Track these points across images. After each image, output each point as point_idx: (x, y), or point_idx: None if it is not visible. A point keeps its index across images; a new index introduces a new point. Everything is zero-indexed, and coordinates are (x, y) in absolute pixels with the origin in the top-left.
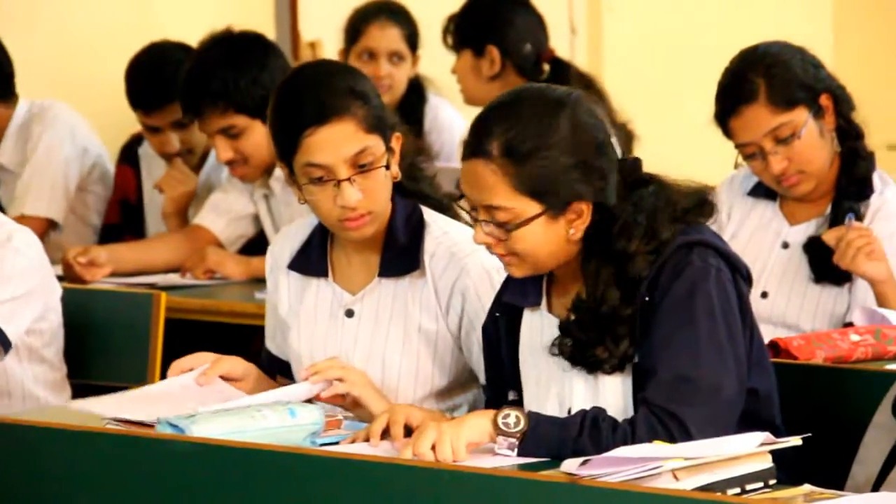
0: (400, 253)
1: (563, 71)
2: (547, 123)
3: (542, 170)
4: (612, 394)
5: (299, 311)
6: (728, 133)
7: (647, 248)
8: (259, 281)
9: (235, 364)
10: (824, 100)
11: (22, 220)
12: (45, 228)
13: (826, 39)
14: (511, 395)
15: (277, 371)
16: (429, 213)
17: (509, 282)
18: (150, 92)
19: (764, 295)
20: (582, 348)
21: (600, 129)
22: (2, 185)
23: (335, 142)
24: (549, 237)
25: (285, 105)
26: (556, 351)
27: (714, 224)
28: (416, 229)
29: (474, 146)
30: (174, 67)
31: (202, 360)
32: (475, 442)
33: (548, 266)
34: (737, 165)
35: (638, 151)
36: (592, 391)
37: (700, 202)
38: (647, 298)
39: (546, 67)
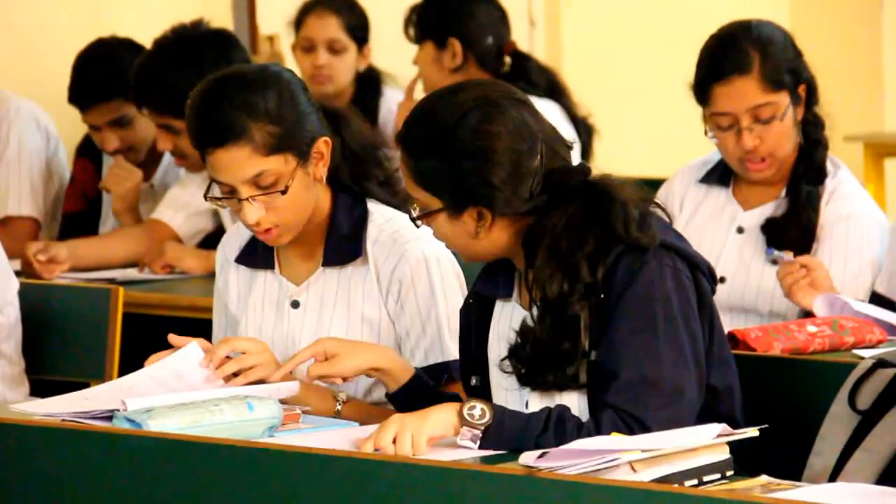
0: (342, 242)
1: (524, 64)
2: (445, 125)
3: (433, 167)
4: (568, 402)
5: (247, 305)
6: (706, 99)
7: (590, 277)
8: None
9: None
10: (801, 91)
11: (8, 220)
12: (34, 228)
13: None
14: (473, 381)
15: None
16: (373, 203)
17: (485, 272)
18: (85, 90)
19: (721, 280)
20: (530, 372)
21: (516, 139)
22: None
23: (231, 165)
24: (457, 233)
25: (190, 119)
26: (507, 368)
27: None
28: (360, 218)
29: (398, 136)
30: (113, 65)
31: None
32: (438, 436)
33: (480, 258)
34: (706, 132)
35: (597, 143)
36: (548, 401)
37: (644, 214)
38: (601, 296)
39: (507, 60)
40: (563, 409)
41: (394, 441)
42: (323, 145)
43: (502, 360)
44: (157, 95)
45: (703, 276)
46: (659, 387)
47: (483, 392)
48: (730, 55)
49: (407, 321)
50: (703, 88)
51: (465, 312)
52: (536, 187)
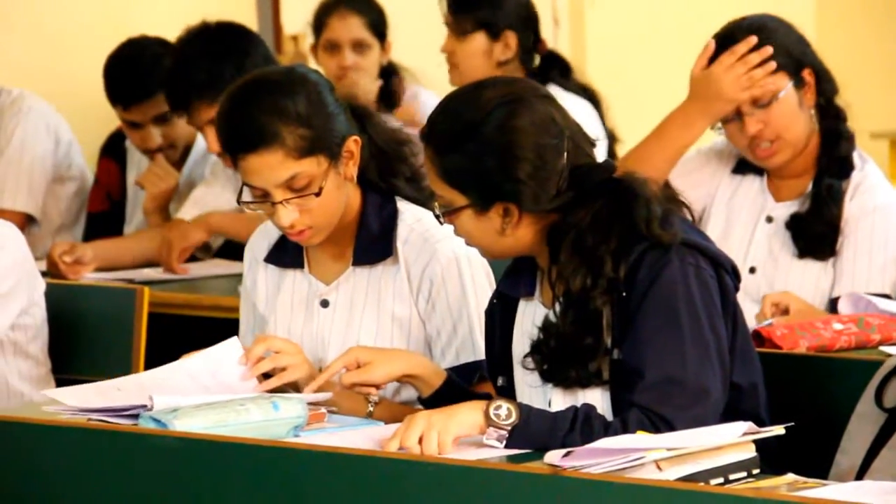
0: (373, 241)
1: (554, 65)
2: (473, 120)
3: (459, 164)
4: (592, 400)
5: (276, 304)
6: None
7: (607, 276)
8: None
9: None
10: (807, 74)
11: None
12: (24, 222)
13: (809, 29)
14: (500, 381)
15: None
16: (403, 203)
17: (508, 272)
18: (130, 87)
19: (752, 270)
20: (552, 368)
21: (542, 134)
22: None
23: (263, 170)
24: (484, 230)
25: (221, 124)
26: (530, 365)
27: (702, 190)
28: (389, 218)
29: (423, 133)
30: (153, 62)
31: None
32: (464, 435)
33: (503, 255)
34: (713, 127)
35: (620, 144)
36: (571, 401)
37: (667, 212)
38: (623, 294)
39: (537, 59)
40: (590, 409)
41: (419, 440)
42: (353, 144)
43: (525, 356)
44: (204, 86)
45: (726, 274)
46: (685, 386)
47: (509, 392)
48: (722, 48)
49: (438, 320)
50: None
51: (490, 313)
52: (563, 184)
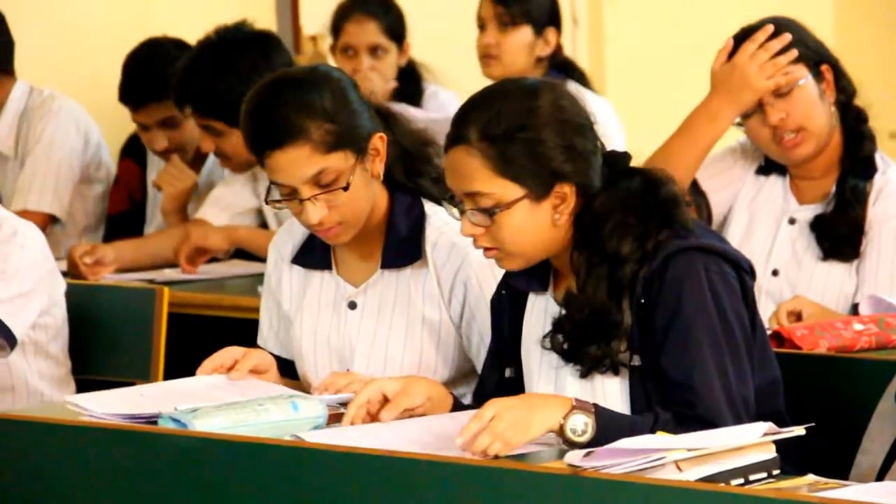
0: (401, 244)
1: (566, 65)
2: (525, 105)
3: (520, 150)
4: (610, 395)
5: (302, 305)
6: None
7: (637, 253)
8: (262, 275)
9: (263, 357)
10: (825, 70)
11: (24, 214)
12: (47, 223)
13: (827, 29)
14: (507, 373)
15: (279, 371)
16: (431, 205)
17: None
18: (137, 89)
19: (775, 273)
20: (574, 345)
21: (581, 113)
22: None
23: (291, 166)
24: (534, 222)
25: (246, 123)
26: (548, 345)
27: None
28: (418, 220)
29: (454, 135)
30: (165, 65)
31: (232, 355)
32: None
33: (537, 255)
34: (738, 125)
35: (636, 144)
36: (589, 391)
37: (681, 194)
38: (642, 300)
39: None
40: (661, 415)
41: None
42: (378, 141)
43: (544, 336)
44: (198, 97)
45: (746, 275)
46: (734, 401)
47: (517, 384)
48: (737, 44)
49: (481, 325)
50: None
51: (497, 304)
52: (601, 160)
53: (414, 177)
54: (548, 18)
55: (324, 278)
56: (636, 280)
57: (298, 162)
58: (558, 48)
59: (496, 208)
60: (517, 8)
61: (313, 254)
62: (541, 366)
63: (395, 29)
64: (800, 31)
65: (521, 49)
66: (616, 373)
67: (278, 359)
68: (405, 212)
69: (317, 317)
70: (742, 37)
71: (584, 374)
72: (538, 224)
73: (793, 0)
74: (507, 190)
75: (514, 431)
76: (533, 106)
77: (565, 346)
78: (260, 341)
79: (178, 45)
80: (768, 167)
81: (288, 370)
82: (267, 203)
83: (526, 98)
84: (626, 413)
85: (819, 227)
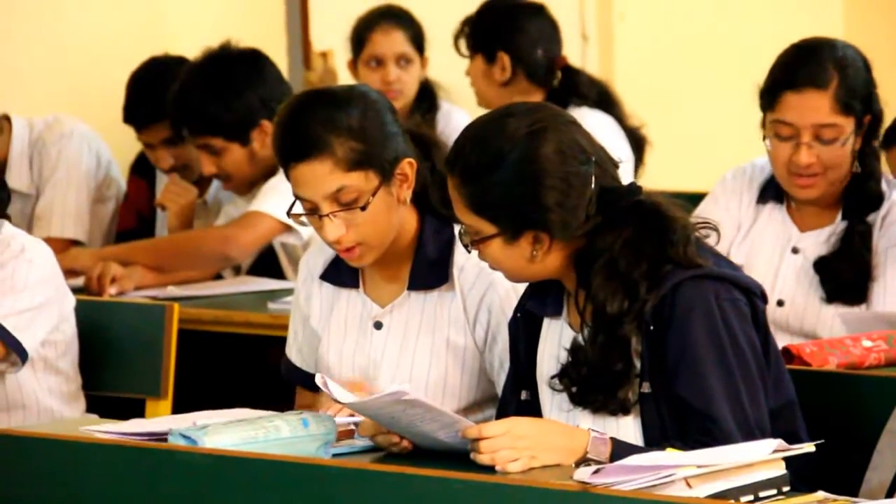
0: (429, 267)
1: (574, 78)
2: (500, 150)
3: (487, 194)
4: (622, 421)
5: (329, 322)
6: (772, 104)
7: (632, 307)
8: (273, 291)
9: None
10: (867, 120)
11: (48, 241)
12: (69, 247)
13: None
14: (524, 395)
15: (299, 382)
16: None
17: (532, 288)
18: (139, 110)
19: (780, 303)
20: (581, 392)
21: (570, 161)
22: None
23: (312, 179)
24: (513, 257)
25: (276, 133)
26: (558, 387)
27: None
28: (447, 244)
29: (448, 161)
30: (167, 84)
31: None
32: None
33: (527, 280)
34: (765, 138)
35: (649, 158)
36: (601, 418)
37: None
38: (651, 328)
39: (558, 74)
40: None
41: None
42: (407, 167)
43: (552, 377)
44: (192, 117)
45: (757, 299)
46: (750, 427)
47: (534, 407)
48: (809, 66)
49: (501, 351)
50: (772, 93)
51: (514, 327)
52: (591, 208)
53: (450, 204)
54: (500, 44)
55: (351, 297)
56: (645, 307)
57: (320, 177)
58: (562, 59)
59: (476, 239)
60: (465, 39)
61: (342, 272)
62: (553, 394)
63: (419, 39)
64: (860, 72)
65: (479, 79)
66: (626, 413)
67: (300, 371)
68: (434, 235)
69: (343, 335)
70: (807, 57)
71: (594, 413)
72: (518, 258)
73: (802, 20)
74: (482, 226)
75: (536, 453)
76: (505, 152)
77: (573, 390)
78: (287, 352)
79: (181, 63)
80: (765, 195)
81: (313, 385)
82: (289, 216)
83: (503, 142)
84: (640, 444)
85: (823, 269)
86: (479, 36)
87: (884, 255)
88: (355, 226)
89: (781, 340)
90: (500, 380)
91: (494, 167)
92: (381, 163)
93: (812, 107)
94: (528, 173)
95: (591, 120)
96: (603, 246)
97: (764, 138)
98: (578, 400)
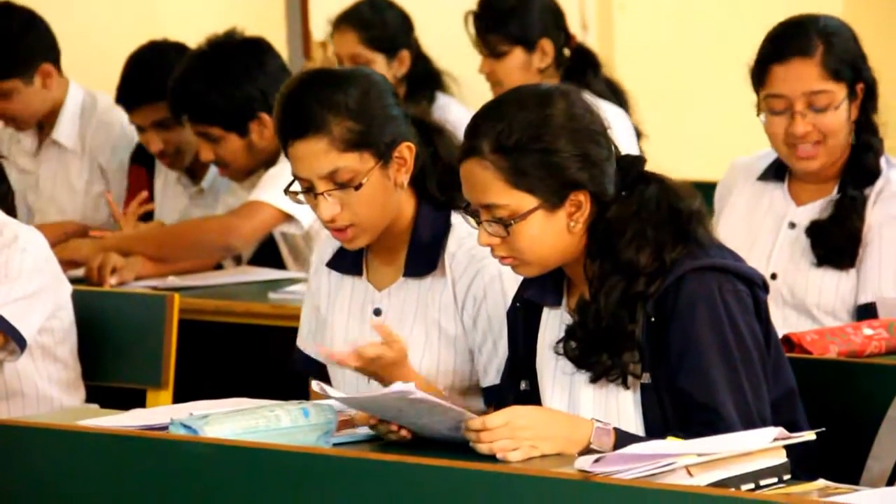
0: (422, 252)
1: (586, 59)
2: (537, 114)
3: (533, 161)
4: (624, 410)
5: (334, 309)
6: (762, 80)
7: (653, 266)
8: (274, 281)
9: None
10: (859, 89)
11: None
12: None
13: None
14: (523, 385)
15: (312, 373)
16: (458, 217)
17: (531, 278)
18: (131, 90)
19: (773, 276)
20: (586, 353)
21: (595, 120)
22: (43, 164)
23: (308, 157)
24: (550, 231)
25: (276, 111)
26: (560, 350)
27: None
28: (441, 230)
29: (467, 147)
30: (161, 67)
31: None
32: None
33: (553, 262)
34: (759, 113)
35: (647, 149)
36: (602, 404)
37: (700, 208)
38: (652, 319)
39: (567, 54)
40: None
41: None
42: (406, 150)
43: (557, 342)
44: (192, 104)
45: (759, 290)
46: (752, 419)
47: (533, 396)
48: (793, 38)
49: (479, 337)
50: (761, 68)
51: (512, 317)
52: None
53: (449, 189)
54: (539, 31)
55: (354, 283)
56: (647, 297)
57: (316, 155)
58: (572, 39)
59: (512, 219)
60: (499, 37)
61: (346, 259)
62: (555, 375)
63: (381, 40)
64: (847, 40)
65: (514, 71)
66: (626, 386)
67: (314, 362)
68: (430, 221)
69: (347, 320)
70: (795, 33)
71: (594, 380)
72: (554, 232)
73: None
74: (522, 201)
75: (537, 443)
76: (545, 115)
77: (577, 352)
78: (299, 342)
79: (179, 48)
80: (767, 174)
81: (324, 374)
82: (286, 194)
83: (537, 107)
84: (641, 434)
85: (814, 233)
86: (518, 28)
87: (877, 230)
88: (349, 205)
89: (775, 313)
90: (479, 367)
91: (537, 133)
92: (378, 144)
93: (800, 75)
94: (572, 131)
95: (611, 114)
96: (629, 207)
97: (759, 114)
98: (581, 361)
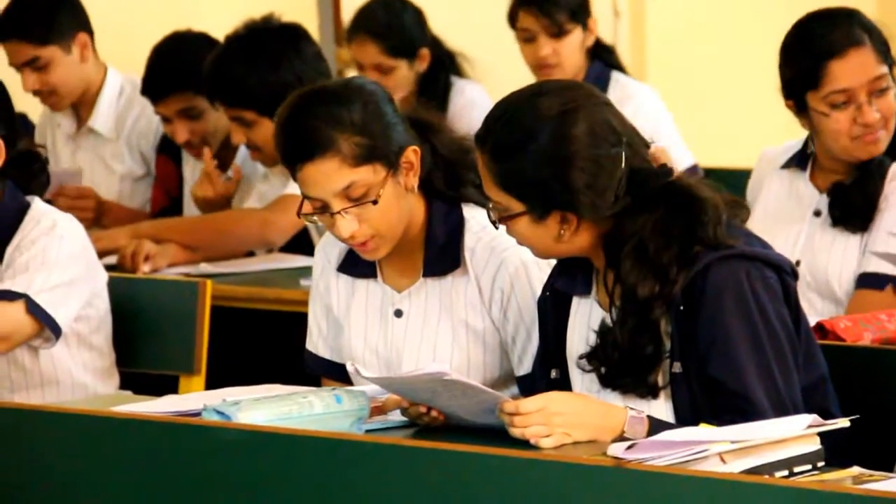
0: (441, 252)
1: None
2: (529, 129)
3: (516, 172)
4: (655, 413)
5: (350, 313)
6: (817, 82)
7: (660, 293)
8: (305, 268)
9: None
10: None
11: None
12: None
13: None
14: (553, 374)
15: (325, 373)
16: (469, 210)
17: (561, 266)
18: (156, 80)
19: (797, 263)
20: (609, 374)
21: (601, 143)
22: (80, 150)
23: (320, 179)
24: (539, 236)
25: (278, 135)
26: (587, 367)
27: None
28: (456, 227)
29: (478, 137)
30: (185, 57)
31: None
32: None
33: (555, 257)
34: (808, 116)
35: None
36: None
37: (720, 212)
38: (681, 308)
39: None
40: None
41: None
42: (412, 154)
43: (580, 357)
44: (226, 88)
45: (787, 276)
46: (784, 406)
47: (563, 385)
48: (840, 31)
49: (511, 328)
50: (815, 69)
51: (542, 306)
52: (621, 189)
53: (456, 185)
54: (588, 10)
55: (369, 286)
56: (675, 288)
57: (328, 175)
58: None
59: (504, 216)
60: (563, 15)
61: (358, 263)
62: (583, 374)
63: (401, 48)
64: (874, 23)
65: (576, 51)
66: (655, 396)
67: (331, 363)
68: (443, 220)
69: (365, 324)
70: (819, 24)
71: (624, 395)
72: (544, 237)
73: None
74: (510, 203)
75: (570, 430)
76: (536, 131)
77: (602, 371)
78: (310, 346)
79: (203, 38)
80: (789, 164)
81: (341, 374)
82: (299, 216)
83: (535, 121)
84: (671, 421)
85: (835, 193)
86: (577, 5)
87: (892, 197)
88: (368, 220)
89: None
90: (514, 358)
91: (524, 147)
92: (386, 154)
93: (861, 64)
94: (558, 154)
95: (636, 90)
96: (633, 228)
97: (806, 118)
98: (608, 382)
